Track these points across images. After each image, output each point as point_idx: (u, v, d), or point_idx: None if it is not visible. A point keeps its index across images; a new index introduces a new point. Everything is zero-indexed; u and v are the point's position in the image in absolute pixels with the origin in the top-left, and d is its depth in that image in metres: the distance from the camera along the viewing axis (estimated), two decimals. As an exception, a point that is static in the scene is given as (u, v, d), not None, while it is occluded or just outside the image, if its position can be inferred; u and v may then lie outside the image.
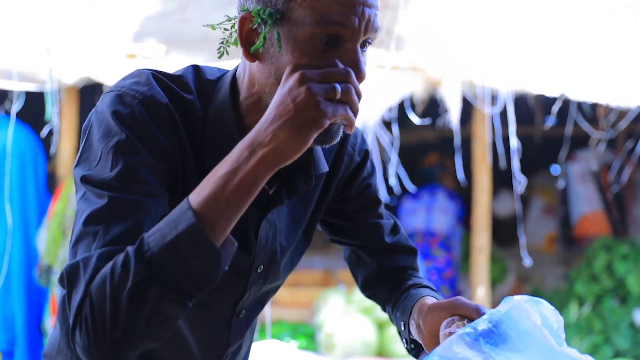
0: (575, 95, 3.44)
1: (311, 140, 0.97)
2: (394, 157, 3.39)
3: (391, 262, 1.43)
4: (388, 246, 1.42)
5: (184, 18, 2.61)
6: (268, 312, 3.49)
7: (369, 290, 1.46)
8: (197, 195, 0.98)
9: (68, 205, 3.36)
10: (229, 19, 1.15)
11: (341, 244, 1.48)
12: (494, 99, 3.58)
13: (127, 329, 0.95)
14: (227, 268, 1.01)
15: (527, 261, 3.76)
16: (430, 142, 6.17)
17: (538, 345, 1.02)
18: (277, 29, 1.05)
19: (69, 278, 0.99)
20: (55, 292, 3.39)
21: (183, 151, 1.11)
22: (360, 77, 1.05)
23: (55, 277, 3.33)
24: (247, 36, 1.09)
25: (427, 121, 3.71)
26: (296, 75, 0.98)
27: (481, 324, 1.02)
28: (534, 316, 1.03)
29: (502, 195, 6.23)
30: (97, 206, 1.01)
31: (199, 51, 2.95)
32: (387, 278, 1.42)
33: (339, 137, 1.10)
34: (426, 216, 5.26)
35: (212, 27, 1.16)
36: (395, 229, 1.45)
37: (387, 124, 3.63)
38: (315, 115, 0.96)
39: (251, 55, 1.10)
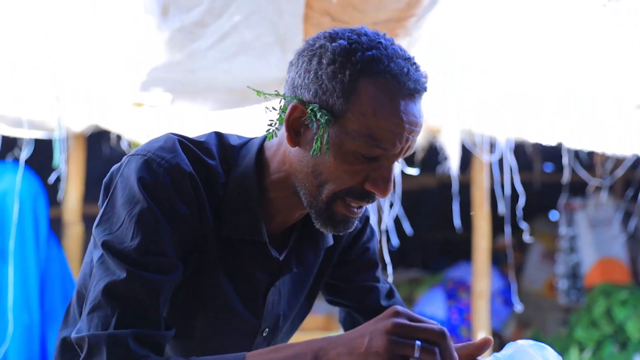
0: (572, 144, 3.51)
1: None
2: (396, 203, 3.43)
3: None
4: (383, 309, 1.44)
5: (190, 68, 2.66)
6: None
7: None
8: (256, 357, 1.00)
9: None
10: (278, 94, 1.15)
11: (338, 305, 1.51)
12: (492, 146, 3.65)
13: None
14: (234, 330, 1.04)
15: (518, 307, 3.79)
16: (429, 189, 6.22)
17: (542, 389, 1.04)
18: (328, 130, 1.09)
19: (91, 348, 1.02)
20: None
21: (203, 220, 1.13)
22: (386, 192, 1.10)
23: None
24: (294, 123, 1.11)
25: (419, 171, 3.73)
26: (388, 323, 0.94)
27: (487, 367, 1.04)
28: (538, 360, 1.05)
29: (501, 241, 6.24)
30: (115, 278, 1.04)
31: (204, 100, 2.98)
32: None
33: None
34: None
35: (258, 93, 1.16)
36: (391, 293, 1.47)
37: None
38: None
39: (294, 141, 1.12)
